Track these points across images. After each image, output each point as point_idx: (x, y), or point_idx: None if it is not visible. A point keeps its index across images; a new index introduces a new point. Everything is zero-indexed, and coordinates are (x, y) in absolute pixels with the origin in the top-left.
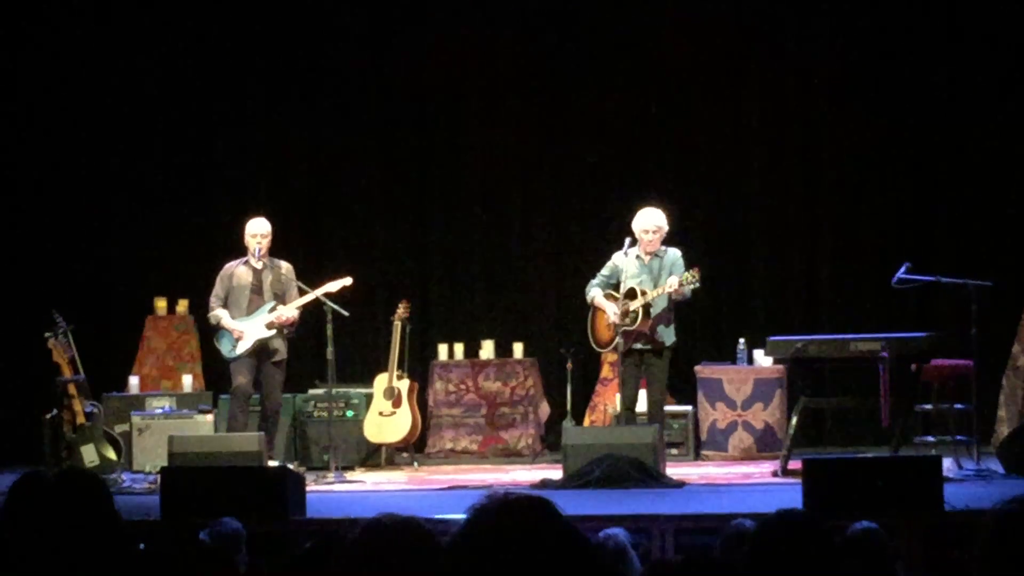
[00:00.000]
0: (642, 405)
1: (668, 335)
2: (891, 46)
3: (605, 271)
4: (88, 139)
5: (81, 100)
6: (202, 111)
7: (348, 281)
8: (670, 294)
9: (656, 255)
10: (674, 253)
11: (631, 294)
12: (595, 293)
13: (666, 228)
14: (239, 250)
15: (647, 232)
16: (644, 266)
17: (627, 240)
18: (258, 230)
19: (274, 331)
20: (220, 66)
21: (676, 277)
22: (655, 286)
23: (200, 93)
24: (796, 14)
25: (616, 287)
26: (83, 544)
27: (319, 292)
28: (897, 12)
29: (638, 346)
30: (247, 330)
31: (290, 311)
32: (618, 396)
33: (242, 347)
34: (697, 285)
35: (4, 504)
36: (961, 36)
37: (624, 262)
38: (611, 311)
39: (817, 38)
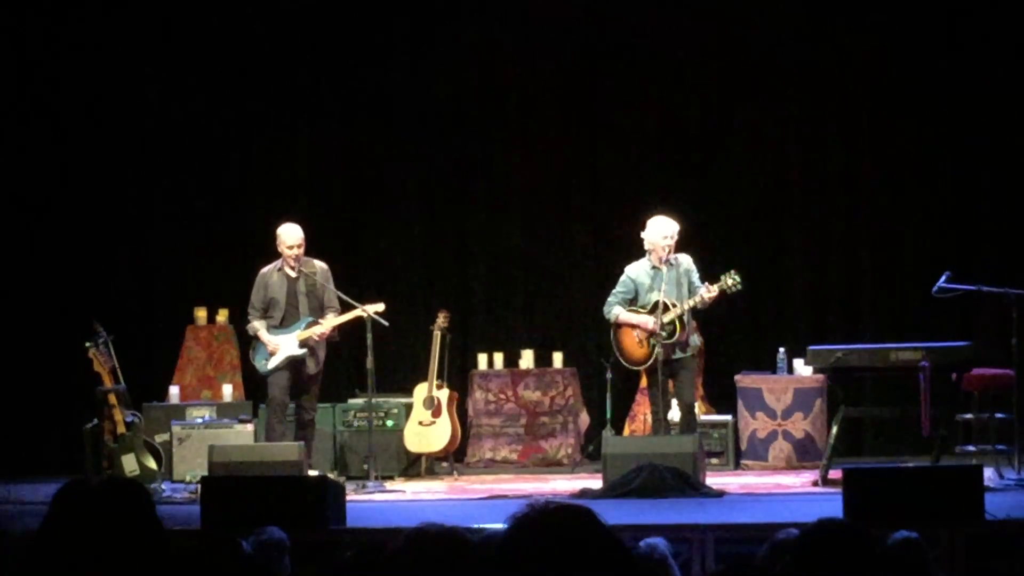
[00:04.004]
0: (674, 413)
1: (696, 339)
2: (933, 51)
3: (621, 287)
4: (128, 150)
5: (121, 111)
6: (241, 119)
7: (381, 307)
8: (696, 303)
9: (670, 263)
10: (687, 259)
11: (662, 307)
12: (619, 311)
13: (659, 237)
14: (278, 257)
15: (666, 238)
16: (662, 276)
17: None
18: (292, 240)
19: (306, 349)
20: (260, 75)
21: (716, 285)
22: (679, 294)
23: (239, 102)
24: (835, 20)
25: (632, 301)
26: (126, 552)
27: (354, 314)
28: (938, 17)
29: (676, 356)
30: (281, 344)
31: (323, 330)
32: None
33: (274, 362)
34: (740, 287)
35: (47, 513)
36: (1004, 41)
37: (640, 275)
38: (649, 322)
39: (857, 44)
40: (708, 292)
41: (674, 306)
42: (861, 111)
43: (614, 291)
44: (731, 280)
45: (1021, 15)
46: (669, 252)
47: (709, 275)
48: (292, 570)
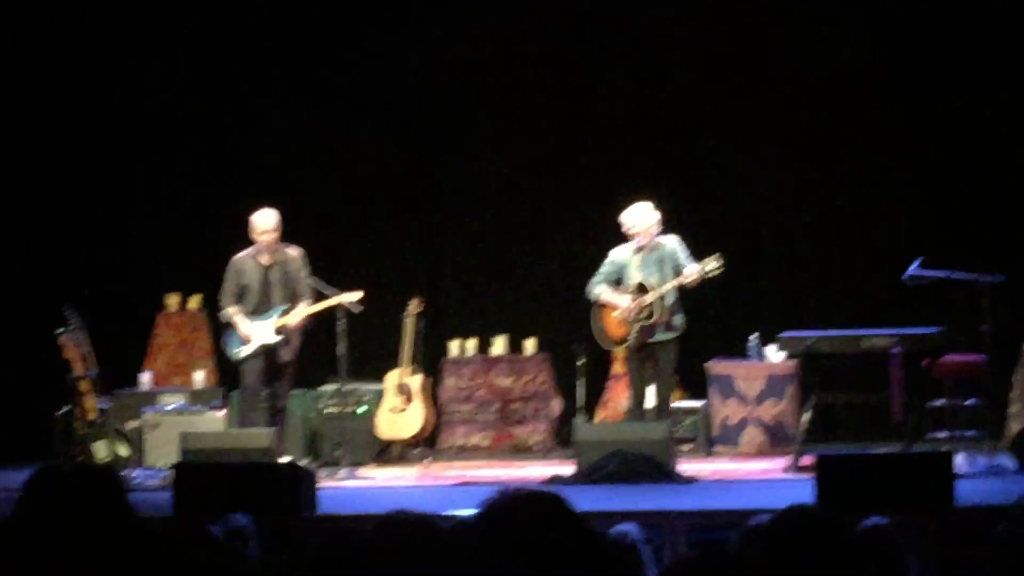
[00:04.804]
0: (650, 400)
1: (680, 320)
2: (906, 37)
3: (606, 267)
4: (100, 134)
5: (94, 95)
6: (215, 106)
7: (359, 295)
8: (677, 284)
9: (653, 247)
10: (672, 240)
11: (641, 289)
12: (601, 290)
13: (649, 222)
14: (249, 243)
15: (632, 228)
16: (646, 258)
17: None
18: (265, 226)
19: (282, 336)
20: (235, 60)
21: (696, 266)
22: (661, 278)
23: (213, 88)
24: (809, 7)
25: (617, 283)
26: (98, 538)
27: (330, 302)
28: (910, 5)
29: (656, 339)
30: (255, 333)
31: (298, 318)
32: (629, 392)
33: (247, 350)
34: (721, 270)
35: (20, 498)
36: (976, 27)
37: (624, 257)
38: (623, 304)
39: (831, 30)
40: (688, 275)
41: (653, 288)
42: (836, 98)
43: (598, 271)
44: (711, 265)
45: (994, 4)
46: (643, 238)
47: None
48: (262, 556)
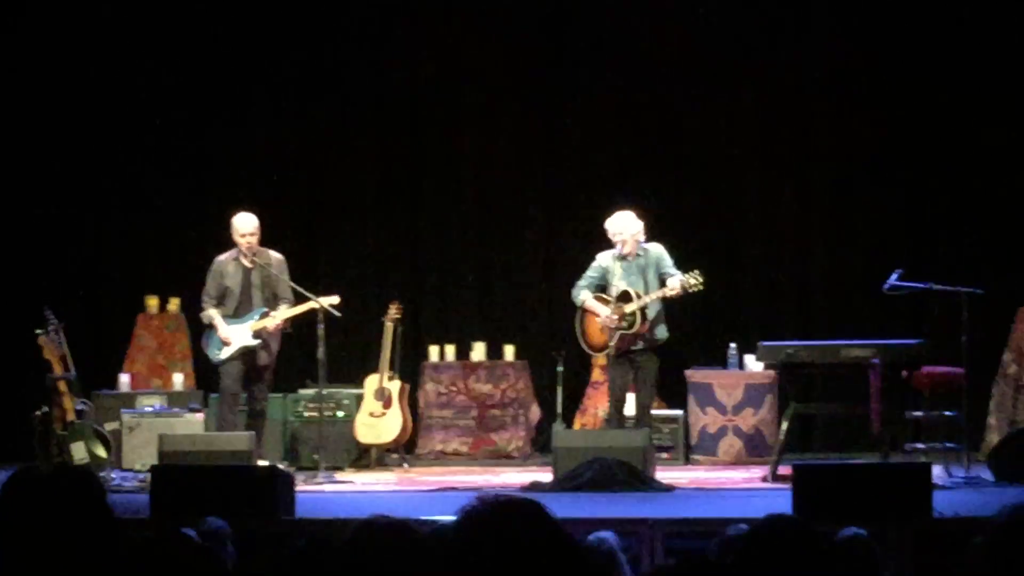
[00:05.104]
0: (629, 409)
1: (662, 332)
2: (885, 48)
3: (592, 272)
4: (79, 134)
5: (72, 94)
6: (195, 106)
7: (336, 299)
8: (658, 296)
9: (638, 255)
10: (657, 249)
11: (625, 297)
12: (585, 296)
13: (635, 230)
14: (231, 245)
15: (617, 235)
16: (629, 266)
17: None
18: (245, 229)
19: (260, 340)
20: (214, 61)
21: (678, 280)
22: (645, 285)
23: (192, 88)
24: (788, 14)
25: (603, 288)
26: (76, 541)
27: (307, 306)
28: (891, 13)
29: (636, 347)
30: (233, 336)
31: (276, 322)
32: (608, 399)
33: (226, 352)
34: (701, 288)
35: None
36: (957, 38)
37: (609, 263)
38: (604, 313)
39: (809, 40)
40: (671, 289)
41: (638, 296)
42: (815, 106)
43: (584, 275)
44: (693, 280)
45: (976, 9)
46: (626, 246)
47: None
48: (238, 560)
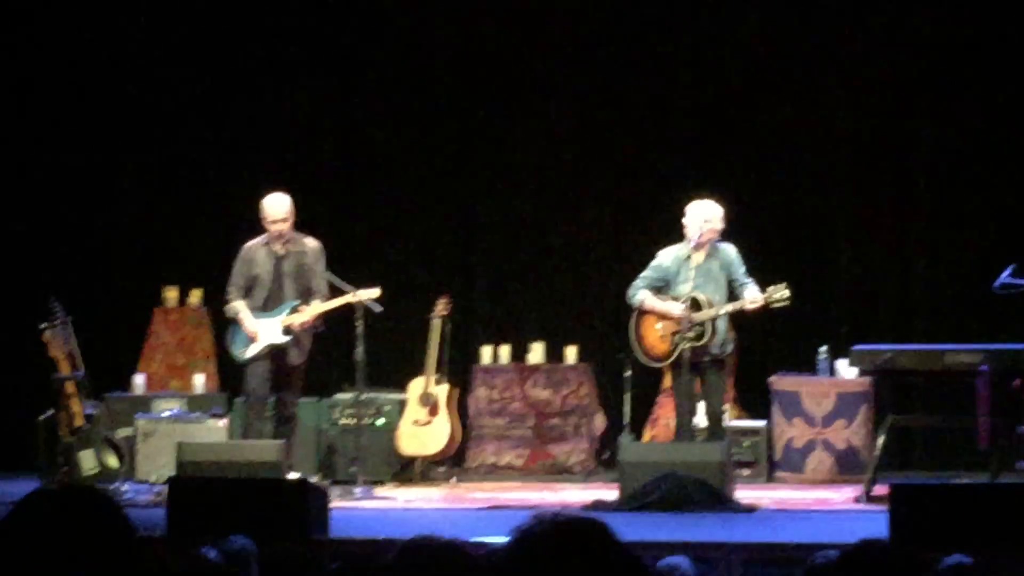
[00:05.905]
0: (700, 419)
1: (730, 343)
2: (989, 35)
3: (650, 271)
4: (92, 113)
5: (84, 74)
6: (218, 81)
7: (376, 292)
8: (735, 309)
9: (709, 253)
10: (730, 252)
11: (695, 304)
12: (645, 295)
13: (716, 216)
14: (262, 231)
15: (707, 222)
16: (698, 268)
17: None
18: (277, 213)
19: (291, 336)
20: (240, 33)
21: (760, 295)
22: (714, 291)
23: (221, 58)
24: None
25: (661, 290)
26: (93, 565)
27: (344, 300)
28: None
29: (703, 359)
30: (261, 331)
31: (307, 317)
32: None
33: (253, 350)
34: (787, 303)
35: (8, 523)
36: None
37: (672, 263)
38: (677, 310)
39: (911, 22)
40: (752, 303)
41: (710, 306)
42: (914, 90)
43: (642, 274)
44: (778, 295)
45: None
46: (708, 238)
47: (751, 272)
48: None
